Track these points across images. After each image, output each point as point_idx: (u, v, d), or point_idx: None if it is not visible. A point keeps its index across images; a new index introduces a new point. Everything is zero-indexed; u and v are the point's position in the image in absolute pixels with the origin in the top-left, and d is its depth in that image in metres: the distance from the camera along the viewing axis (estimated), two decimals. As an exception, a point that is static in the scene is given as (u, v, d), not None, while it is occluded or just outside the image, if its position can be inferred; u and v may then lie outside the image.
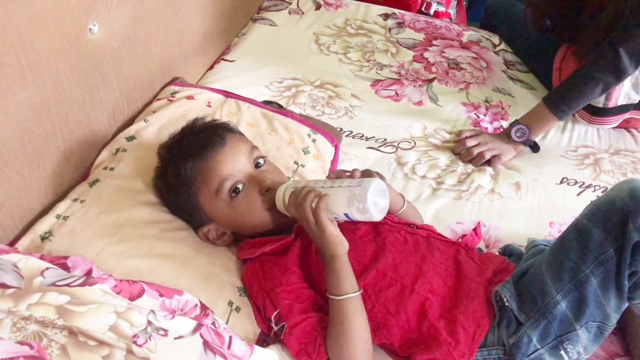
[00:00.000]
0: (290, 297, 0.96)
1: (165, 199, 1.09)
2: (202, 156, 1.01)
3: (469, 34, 1.91)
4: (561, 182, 1.42)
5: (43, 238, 1.00)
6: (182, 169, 1.01)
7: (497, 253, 1.17)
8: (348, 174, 0.99)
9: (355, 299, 0.93)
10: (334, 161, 1.36)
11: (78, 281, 0.85)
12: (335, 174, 1.00)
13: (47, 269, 0.86)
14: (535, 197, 1.37)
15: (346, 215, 0.94)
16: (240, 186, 1.01)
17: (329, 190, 0.94)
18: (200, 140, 1.04)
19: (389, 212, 1.12)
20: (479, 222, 1.17)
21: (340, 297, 0.92)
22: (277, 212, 1.03)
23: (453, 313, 0.96)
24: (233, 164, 1.02)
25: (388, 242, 1.01)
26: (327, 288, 0.94)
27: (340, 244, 0.93)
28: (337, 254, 0.93)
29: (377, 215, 0.92)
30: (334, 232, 0.92)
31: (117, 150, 1.18)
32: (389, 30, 1.88)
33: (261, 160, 1.07)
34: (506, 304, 0.95)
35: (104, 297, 0.85)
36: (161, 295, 0.92)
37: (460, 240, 1.13)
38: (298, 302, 0.96)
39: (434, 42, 1.85)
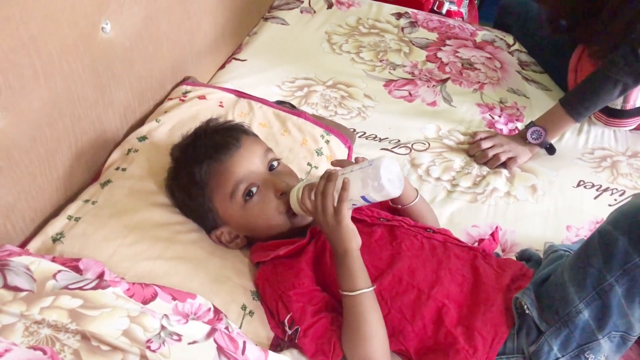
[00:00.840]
0: (303, 299, 0.95)
1: (177, 200, 1.08)
2: (216, 158, 1.00)
3: (483, 33, 1.89)
4: (578, 185, 1.40)
5: (54, 240, 0.99)
6: (197, 171, 1.00)
7: (514, 258, 1.15)
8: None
9: (369, 295, 0.91)
10: (348, 163, 1.34)
11: (91, 284, 0.84)
12: (338, 162, 0.98)
13: (59, 271, 0.85)
14: (552, 200, 1.35)
15: (364, 198, 0.93)
16: (254, 189, 1.00)
17: (341, 178, 0.93)
18: (214, 142, 1.02)
19: (401, 203, 1.10)
20: (496, 227, 1.15)
21: (354, 293, 0.90)
22: (291, 215, 1.01)
23: (470, 320, 0.94)
24: (248, 167, 1.01)
25: (404, 247, 0.99)
26: (339, 285, 0.93)
27: (354, 239, 0.92)
28: (351, 249, 0.91)
29: (394, 191, 0.92)
30: (349, 225, 0.91)
31: (129, 150, 1.17)
32: (402, 29, 1.86)
33: (275, 163, 1.05)
34: (526, 312, 0.93)
35: (117, 300, 0.84)
36: (174, 298, 0.91)
37: (476, 244, 1.11)
38: (311, 305, 0.95)
39: (448, 41, 1.83)
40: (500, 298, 0.96)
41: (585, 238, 1.24)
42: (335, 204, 0.91)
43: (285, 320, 0.95)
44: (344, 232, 0.91)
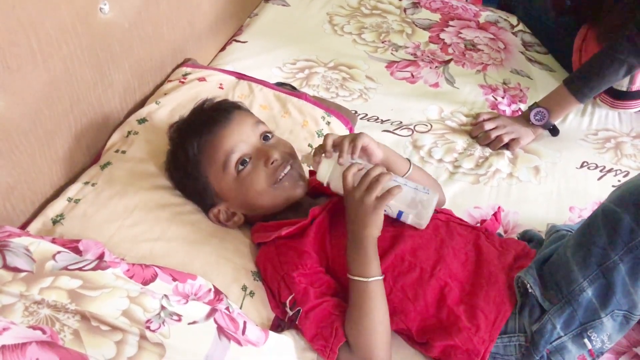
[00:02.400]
0: (306, 281, 0.95)
1: (176, 181, 1.08)
2: (208, 132, 1.01)
3: (486, 14, 1.87)
4: (581, 166, 1.39)
5: (54, 221, 0.99)
6: (190, 148, 1.01)
7: (517, 238, 1.14)
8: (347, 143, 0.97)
9: (379, 283, 0.91)
10: (349, 144, 1.33)
11: (90, 265, 0.84)
12: (333, 141, 0.98)
13: (58, 252, 0.85)
14: (555, 181, 1.34)
15: (399, 213, 0.97)
16: (247, 159, 1.00)
17: (394, 182, 0.95)
18: (207, 118, 1.03)
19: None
20: (499, 207, 1.14)
21: (365, 279, 0.90)
22: (284, 188, 1.01)
23: (473, 299, 0.94)
24: (238, 137, 1.01)
25: (407, 226, 0.99)
26: (349, 269, 0.92)
27: (378, 227, 0.92)
28: (372, 235, 0.91)
29: (425, 225, 0.97)
30: (381, 214, 0.91)
31: (129, 132, 1.16)
32: (404, 10, 1.84)
33: (269, 135, 1.05)
34: (529, 290, 0.92)
35: (117, 281, 0.84)
36: (174, 279, 0.90)
37: (479, 225, 1.10)
38: (314, 287, 0.94)
39: (451, 22, 1.81)
40: (503, 277, 0.96)
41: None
42: (380, 194, 0.91)
43: (287, 301, 0.95)
44: (375, 217, 0.90)
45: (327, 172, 0.98)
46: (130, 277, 0.87)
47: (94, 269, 0.84)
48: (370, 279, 0.90)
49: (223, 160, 1.00)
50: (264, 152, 1.01)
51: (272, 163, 1.00)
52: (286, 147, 1.06)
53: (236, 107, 1.07)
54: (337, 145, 0.97)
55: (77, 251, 0.90)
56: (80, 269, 0.83)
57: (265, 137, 1.04)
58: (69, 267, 0.83)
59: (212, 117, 1.03)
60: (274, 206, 1.03)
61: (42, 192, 1.05)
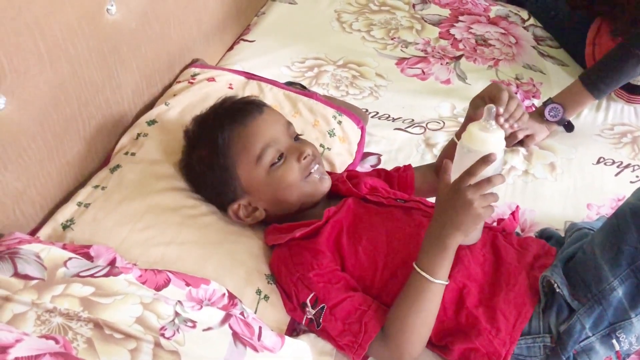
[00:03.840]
0: (324, 279, 0.92)
1: (194, 177, 1.05)
2: (241, 121, 1.00)
3: (497, 8, 1.84)
4: (598, 162, 1.36)
5: (65, 226, 0.98)
6: (219, 137, 0.99)
7: (534, 236, 1.12)
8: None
9: (442, 288, 0.88)
10: (361, 143, 1.31)
11: (102, 271, 0.83)
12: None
13: (70, 259, 0.84)
14: (571, 178, 1.32)
15: None
16: (280, 155, 0.99)
17: None
18: (236, 109, 1.02)
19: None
20: (517, 206, 1.12)
21: (432, 279, 0.86)
22: (313, 182, 1.00)
23: (492, 300, 0.92)
24: (275, 132, 1.00)
25: (423, 228, 0.97)
26: (419, 260, 0.87)
27: (467, 234, 0.86)
28: (458, 239, 0.85)
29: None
30: (479, 226, 0.87)
31: (138, 135, 1.14)
32: (413, 6, 1.82)
33: (299, 137, 1.06)
34: (557, 290, 0.90)
35: (129, 287, 0.83)
36: (188, 284, 0.89)
37: (495, 224, 1.08)
38: (333, 284, 0.92)
39: (460, 17, 1.79)
40: (523, 277, 0.94)
41: (607, 216, 1.21)
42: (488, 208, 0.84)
43: (308, 300, 0.92)
44: (473, 225, 0.84)
45: (491, 145, 0.84)
46: (143, 283, 0.85)
47: (106, 275, 0.82)
48: (436, 281, 0.86)
49: (259, 152, 0.98)
50: (296, 148, 1.01)
51: (304, 158, 1.00)
52: (313, 146, 1.05)
53: (265, 104, 1.06)
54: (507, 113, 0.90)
55: (88, 257, 0.88)
56: (92, 275, 0.82)
57: (296, 138, 1.04)
58: (81, 274, 0.81)
59: (244, 109, 1.02)
60: (300, 201, 1.01)
61: (52, 197, 1.03)
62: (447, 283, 0.88)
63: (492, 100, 0.92)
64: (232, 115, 1.01)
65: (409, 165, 1.15)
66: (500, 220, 1.08)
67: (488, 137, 0.84)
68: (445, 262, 0.86)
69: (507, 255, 0.96)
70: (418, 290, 0.87)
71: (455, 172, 0.87)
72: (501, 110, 0.90)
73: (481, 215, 0.83)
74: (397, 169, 1.15)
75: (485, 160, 0.82)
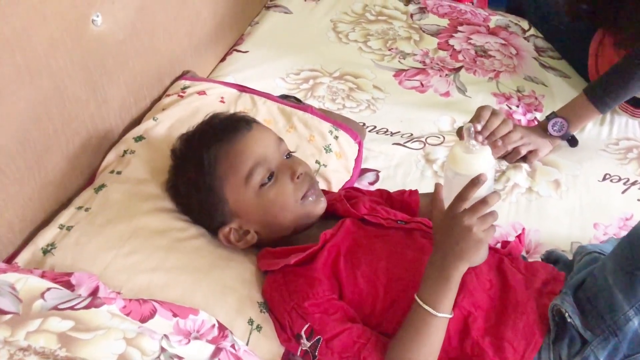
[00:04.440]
0: (320, 309, 0.87)
1: (181, 199, 1.00)
2: (227, 140, 0.95)
3: (496, 18, 1.80)
4: (604, 178, 1.31)
5: (45, 251, 0.93)
6: (205, 157, 0.94)
7: (541, 259, 1.07)
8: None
9: (446, 321, 0.83)
10: (358, 159, 1.27)
11: (83, 303, 0.78)
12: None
13: (48, 289, 0.78)
14: (577, 195, 1.27)
15: None
16: (270, 174, 0.94)
17: None
18: (224, 127, 0.97)
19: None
20: (523, 229, 1.07)
21: (434, 313, 0.81)
22: (308, 204, 0.95)
23: (499, 329, 0.87)
24: (264, 149, 0.95)
25: (425, 251, 0.91)
26: (421, 292, 0.82)
27: (471, 262, 0.81)
28: (462, 269, 0.81)
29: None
30: (483, 251, 0.81)
31: (125, 152, 1.09)
32: (411, 16, 1.77)
33: (291, 154, 1.00)
34: (568, 320, 0.85)
35: (112, 320, 0.77)
36: (175, 315, 0.84)
37: (499, 246, 1.03)
38: (329, 314, 0.87)
39: (459, 28, 1.74)
40: (532, 304, 0.89)
41: (616, 237, 1.16)
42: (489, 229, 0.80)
43: (302, 332, 0.87)
44: (475, 252, 0.79)
45: (478, 166, 0.79)
46: (127, 315, 0.80)
47: (87, 307, 0.77)
48: (439, 315, 0.81)
49: (247, 172, 0.93)
50: (288, 166, 0.96)
51: (297, 177, 0.95)
52: (306, 165, 1.00)
53: (252, 120, 1.01)
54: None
55: (69, 286, 0.83)
56: (72, 307, 0.76)
57: (287, 155, 0.99)
58: (60, 307, 0.76)
59: (232, 126, 0.97)
60: (294, 224, 0.96)
61: (32, 220, 0.98)
62: (451, 316, 0.83)
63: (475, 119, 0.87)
64: (218, 133, 0.96)
65: (416, 190, 1.10)
66: (505, 243, 1.03)
67: (472, 158, 0.80)
68: (449, 294, 0.81)
69: (514, 280, 0.91)
70: (420, 323, 0.82)
71: (446, 197, 0.83)
72: (479, 127, 0.84)
73: (483, 239, 0.79)
74: (401, 192, 1.10)
75: (475, 182, 0.78)
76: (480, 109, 0.85)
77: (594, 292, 0.87)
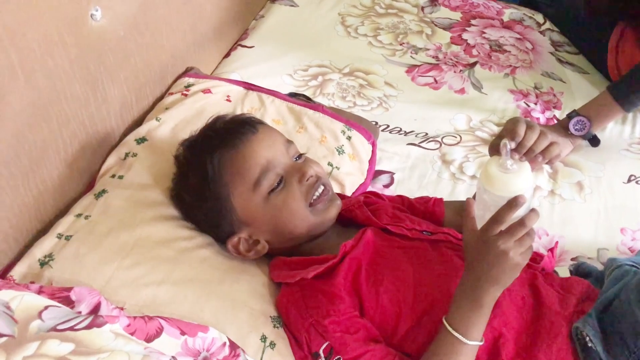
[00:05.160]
0: (340, 328, 0.81)
1: (186, 208, 0.94)
2: (231, 145, 0.89)
3: (510, 12, 1.73)
4: (629, 180, 1.26)
5: (42, 263, 0.87)
6: (209, 164, 0.88)
7: (569, 271, 1.01)
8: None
9: (476, 348, 0.77)
10: (372, 161, 1.21)
11: (84, 322, 0.72)
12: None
13: (46, 307, 0.72)
14: (601, 198, 1.21)
15: None
16: (280, 179, 0.88)
17: None
18: (228, 131, 0.91)
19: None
20: (556, 242, 1.01)
21: (464, 340, 0.75)
22: (319, 210, 0.89)
23: (532, 352, 0.80)
24: (272, 152, 0.89)
25: (453, 265, 0.85)
26: (450, 317, 0.77)
27: (506, 286, 0.75)
28: (496, 294, 0.76)
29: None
30: (517, 275, 0.75)
31: (127, 154, 1.03)
32: (422, 9, 1.71)
33: (301, 156, 0.94)
34: (589, 345, 0.79)
35: (116, 341, 0.72)
36: (183, 333, 0.78)
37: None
38: (350, 333, 0.81)
39: (472, 21, 1.68)
40: (566, 326, 0.82)
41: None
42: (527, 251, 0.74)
43: (321, 351, 0.81)
44: (512, 276, 0.74)
45: (515, 186, 0.72)
46: (132, 334, 0.74)
47: (88, 326, 0.71)
48: (469, 342, 0.75)
49: (255, 178, 0.87)
50: (297, 169, 0.90)
51: (307, 180, 0.89)
52: (318, 165, 0.94)
53: (259, 122, 0.95)
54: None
55: (68, 302, 0.77)
56: (71, 328, 0.70)
57: (298, 157, 0.93)
58: (59, 327, 0.70)
59: (236, 130, 0.91)
60: (307, 231, 0.90)
61: (28, 229, 0.92)
62: (482, 343, 0.77)
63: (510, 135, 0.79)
64: (222, 138, 0.90)
65: (440, 199, 1.03)
66: (535, 255, 0.97)
67: (510, 178, 0.73)
68: (481, 321, 0.76)
69: (549, 299, 0.85)
70: (448, 350, 0.76)
71: (479, 215, 0.76)
72: (513, 145, 0.77)
73: (520, 263, 0.73)
74: (424, 200, 1.03)
75: (514, 205, 0.71)
76: (513, 123, 0.78)
77: (618, 314, 0.81)
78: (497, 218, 0.72)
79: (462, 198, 1.17)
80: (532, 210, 0.73)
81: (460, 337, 0.75)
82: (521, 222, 0.72)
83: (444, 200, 1.03)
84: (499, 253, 0.72)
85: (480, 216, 0.75)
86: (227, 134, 0.90)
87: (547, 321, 0.83)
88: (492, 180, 0.73)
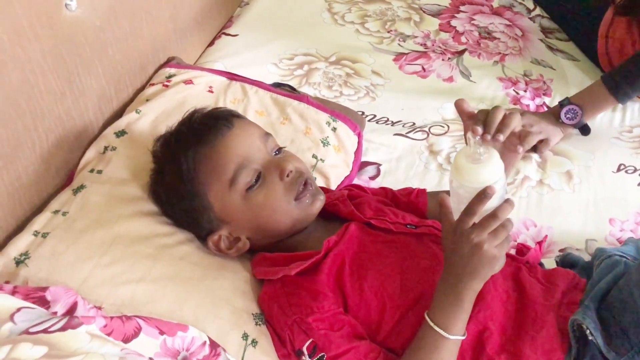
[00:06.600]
0: (324, 325, 0.80)
1: (164, 205, 0.93)
2: (205, 141, 0.86)
3: (500, -3, 1.70)
4: (618, 169, 1.24)
5: (18, 262, 0.85)
6: (183, 162, 0.86)
7: (555, 262, 0.99)
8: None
9: (458, 342, 0.76)
10: (358, 152, 1.18)
11: (58, 324, 0.70)
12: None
13: (19, 309, 0.70)
14: (591, 188, 1.20)
15: None
16: (257, 175, 0.86)
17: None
18: (203, 126, 0.89)
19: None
20: (545, 236, 0.99)
21: (446, 335, 0.74)
22: (303, 206, 0.87)
23: (517, 345, 0.79)
24: (248, 148, 0.87)
25: (437, 259, 0.84)
26: (432, 312, 0.76)
27: (485, 280, 0.74)
28: (475, 289, 0.75)
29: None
30: (497, 268, 0.73)
31: (106, 148, 1.01)
32: (410, -5, 1.68)
33: (280, 150, 0.92)
34: (589, 338, 0.78)
35: (92, 342, 0.70)
36: (162, 332, 0.77)
37: (512, 251, 0.95)
38: (335, 330, 0.80)
39: (462, 7, 1.65)
40: (552, 318, 0.81)
41: (632, 232, 1.09)
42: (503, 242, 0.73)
43: (304, 348, 0.80)
44: (489, 270, 0.73)
45: (485, 176, 0.70)
46: (109, 334, 0.73)
47: (62, 328, 0.69)
48: (451, 337, 0.74)
49: (231, 175, 0.85)
50: (276, 164, 0.87)
51: (287, 176, 0.86)
52: (298, 160, 0.92)
53: (235, 115, 0.93)
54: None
55: (43, 302, 0.75)
56: (45, 330, 0.69)
57: (277, 152, 0.91)
58: (31, 330, 0.68)
59: (211, 125, 0.88)
60: (289, 227, 0.89)
61: (3, 226, 0.90)
62: (464, 337, 0.76)
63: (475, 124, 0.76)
64: (196, 134, 0.87)
65: (424, 190, 1.01)
66: (520, 247, 0.95)
67: (478, 169, 0.71)
68: (462, 315, 0.75)
69: (533, 291, 0.84)
70: (431, 345, 0.75)
71: (455, 208, 0.75)
72: (479, 130, 0.75)
73: (496, 255, 0.72)
74: (407, 192, 1.02)
75: (482, 196, 0.70)
76: (479, 112, 0.77)
77: (619, 306, 0.80)
78: (468, 211, 0.71)
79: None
80: (507, 200, 0.72)
81: (442, 332, 0.74)
82: (493, 214, 0.70)
83: (428, 191, 1.01)
84: (474, 246, 0.71)
85: (456, 209, 0.74)
86: (202, 130, 0.88)
87: (531, 313, 0.82)
88: (461, 171, 0.72)
